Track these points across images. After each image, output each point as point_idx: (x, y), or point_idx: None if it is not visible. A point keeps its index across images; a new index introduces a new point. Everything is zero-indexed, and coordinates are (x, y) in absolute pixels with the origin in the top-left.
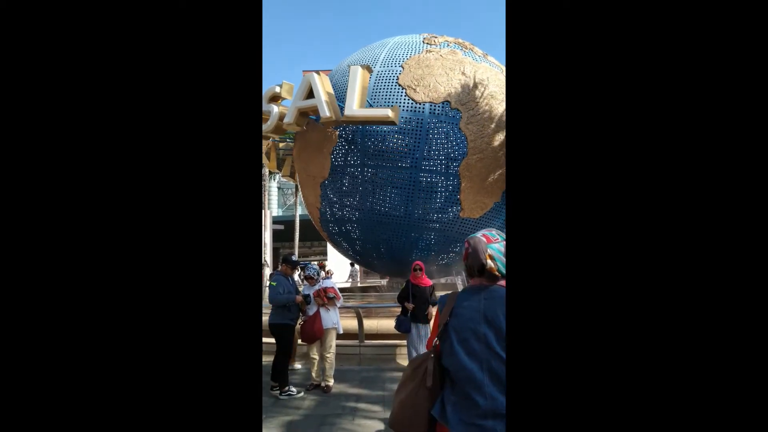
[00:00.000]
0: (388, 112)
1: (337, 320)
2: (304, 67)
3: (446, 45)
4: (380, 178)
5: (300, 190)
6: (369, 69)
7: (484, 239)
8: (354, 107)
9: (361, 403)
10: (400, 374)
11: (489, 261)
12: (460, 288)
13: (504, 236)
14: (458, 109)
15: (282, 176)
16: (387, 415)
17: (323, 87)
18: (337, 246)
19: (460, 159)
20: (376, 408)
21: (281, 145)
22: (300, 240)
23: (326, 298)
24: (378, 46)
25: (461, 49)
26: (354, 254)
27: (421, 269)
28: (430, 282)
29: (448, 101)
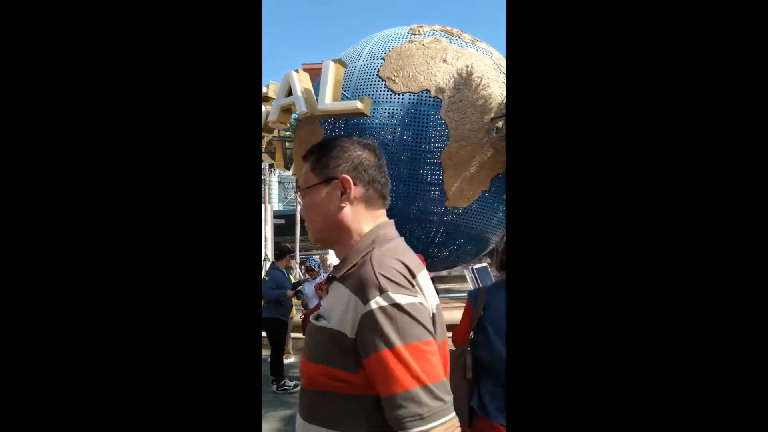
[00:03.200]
0: (357, 104)
1: None
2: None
3: (432, 34)
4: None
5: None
6: (342, 63)
7: None
8: (327, 101)
9: None
10: None
11: None
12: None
13: None
14: (438, 97)
15: (292, 175)
16: None
17: (301, 83)
18: None
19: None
20: None
21: (288, 144)
22: (301, 234)
23: (324, 293)
24: (366, 40)
25: (446, 37)
26: None
27: None
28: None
29: (427, 90)
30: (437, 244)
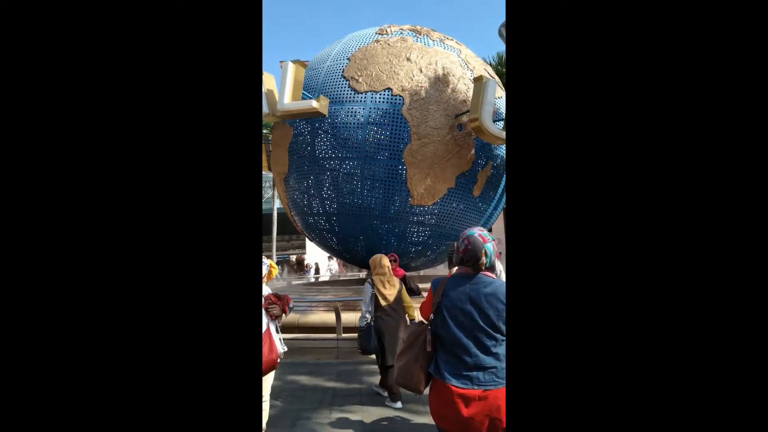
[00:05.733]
0: (312, 103)
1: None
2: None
3: (400, 33)
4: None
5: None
6: (302, 64)
7: (481, 239)
8: (285, 101)
9: (337, 397)
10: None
11: (483, 257)
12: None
13: (492, 236)
14: (401, 96)
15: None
16: (364, 408)
17: (265, 84)
18: (314, 240)
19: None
20: (353, 401)
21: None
22: (278, 233)
23: (287, 308)
24: (337, 42)
25: (414, 36)
26: (330, 248)
27: (395, 260)
28: (403, 272)
29: (390, 88)
30: (415, 243)
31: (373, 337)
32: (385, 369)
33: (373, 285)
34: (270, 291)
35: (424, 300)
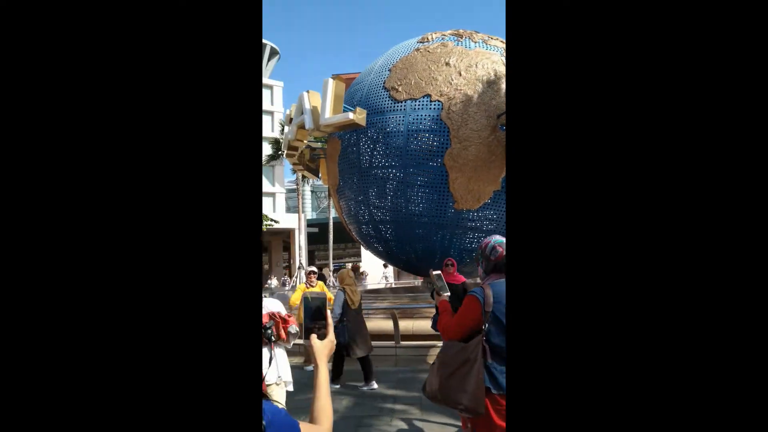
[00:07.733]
0: (350, 115)
1: (287, 370)
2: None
3: (441, 39)
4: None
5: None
6: (341, 79)
7: None
8: (326, 116)
9: (398, 404)
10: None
11: None
12: None
13: None
14: (440, 101)
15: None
16: (425, 415)
17: (310, 101)
18: (369, 248)
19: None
20: (414, 409)
21: None
22: (334, 242)
23: (285, 333)
24: (380, 56)
25: (455, 40)
26: (386, 255)
27: (452, 265)
28: (463, 278)
29: (428, 95)
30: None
31: (345, 333)
32: (357, 359)
33: (344, 293)
34: (274, 309)
35: (448, 317)
